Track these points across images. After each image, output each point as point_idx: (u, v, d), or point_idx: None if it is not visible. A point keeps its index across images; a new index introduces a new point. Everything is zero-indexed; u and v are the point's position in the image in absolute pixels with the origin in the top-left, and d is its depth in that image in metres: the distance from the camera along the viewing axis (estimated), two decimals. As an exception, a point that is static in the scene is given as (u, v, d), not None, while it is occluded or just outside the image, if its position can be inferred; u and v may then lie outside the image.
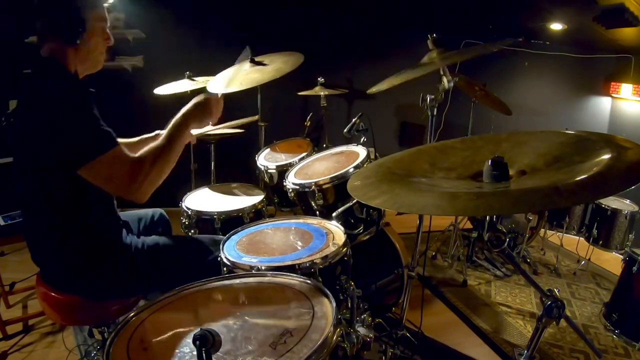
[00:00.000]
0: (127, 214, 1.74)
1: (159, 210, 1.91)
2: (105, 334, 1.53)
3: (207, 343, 0.74)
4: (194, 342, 0.75)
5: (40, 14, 1.30)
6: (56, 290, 1.40)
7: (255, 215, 2.11)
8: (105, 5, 1.40)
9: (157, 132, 1.72)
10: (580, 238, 3.35)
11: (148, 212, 1.88)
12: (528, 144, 1.23)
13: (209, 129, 1.90)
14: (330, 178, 1.91)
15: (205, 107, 1.51)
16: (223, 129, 2.17)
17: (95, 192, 1.33)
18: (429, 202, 1.01)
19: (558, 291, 1.06)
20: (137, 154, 1.33)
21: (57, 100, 1.23)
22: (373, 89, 2.02)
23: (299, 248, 1.48)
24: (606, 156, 0.98)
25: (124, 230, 1.54)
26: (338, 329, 0.96)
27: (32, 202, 1.39)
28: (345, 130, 2.34)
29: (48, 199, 1.34)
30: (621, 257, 2.61)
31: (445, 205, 0.96)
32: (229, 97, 2.50)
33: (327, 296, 1.08)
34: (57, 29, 1.29)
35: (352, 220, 1.93)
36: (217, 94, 1.63)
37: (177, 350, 0.93)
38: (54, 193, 1.33)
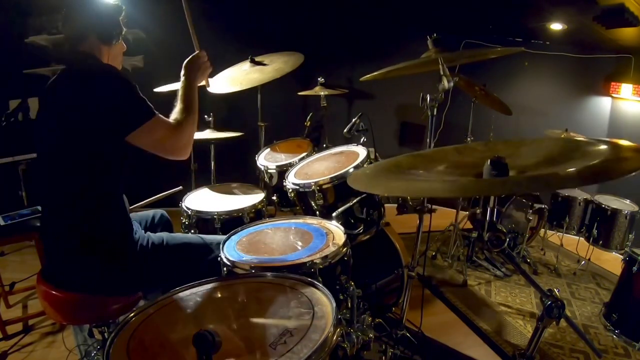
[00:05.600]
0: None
1: (159, 211, 1.93)
2: (105, 334, 1.53)
3: (207, 343, 0.74)
4: (193, 342, 0.75)
5: (93, 19, 1.46)
6: (57, 289, 1.40)
7: (255, 215, 2.11)
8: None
9: None
10: (580, 238, 3.35)
11: (149, 212, 1.90)
12: (527, 149, 1.24)
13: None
14: (330, 178, 1.91)
15: (195, 63, 1.74)
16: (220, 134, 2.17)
17: (108, 189, 1.40)
18: (435, 186, 1.11)
19: (558, 291, 1.07)
20: (172, 119, 1.49)
21: (102, 77, 1.38)
22: (367, 77, 2.03)
23: (299, 248, 1.48)
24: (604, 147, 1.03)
25: (132, 228, 1.56)
26: (338, 329, 0.96)
27: (49, 198, 1.45)
28: (345, 130, 2.35)
29: (65, 195, 1.40)
30: (621, 257, 2.61)
31: (450, 187, 1.06)
32: (230, 97, 2.51)
33: (327, 296, 1.08)
34: (104, 33, 1.48)
35: (352, 220, 1.92)
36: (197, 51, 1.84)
37: (177, 351, 0.93)
38: (70, 189, 1.39)
